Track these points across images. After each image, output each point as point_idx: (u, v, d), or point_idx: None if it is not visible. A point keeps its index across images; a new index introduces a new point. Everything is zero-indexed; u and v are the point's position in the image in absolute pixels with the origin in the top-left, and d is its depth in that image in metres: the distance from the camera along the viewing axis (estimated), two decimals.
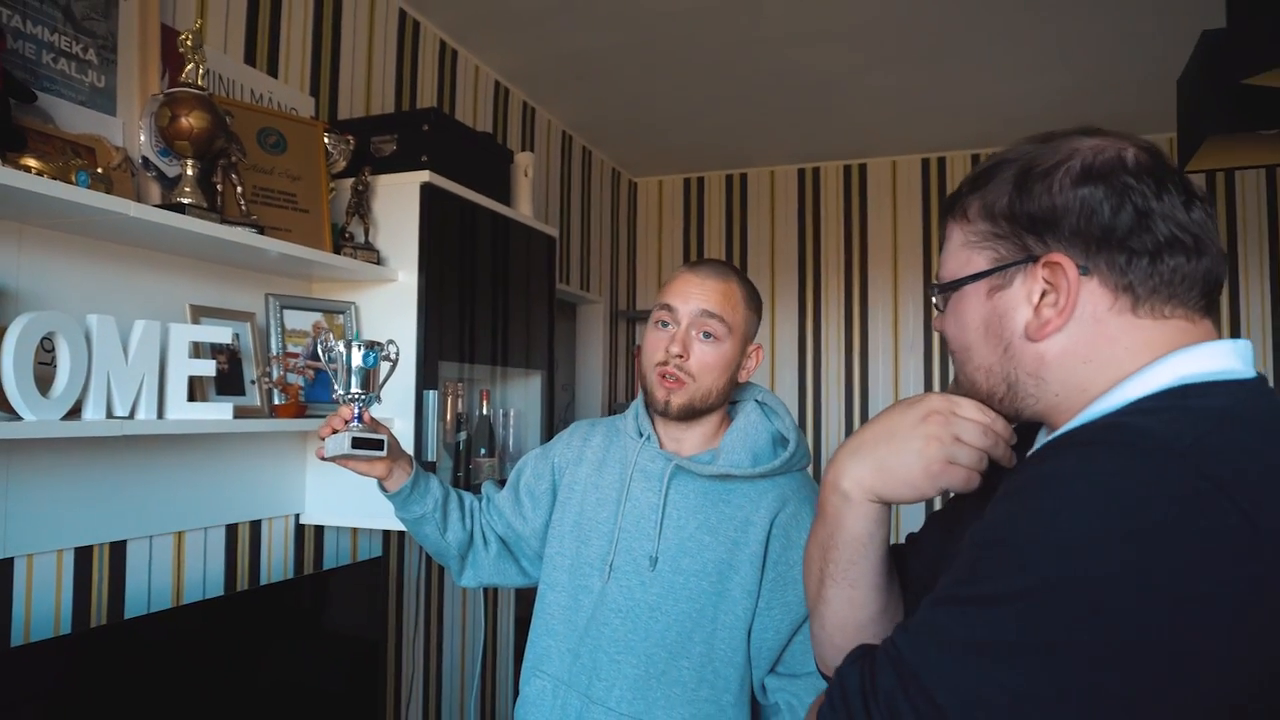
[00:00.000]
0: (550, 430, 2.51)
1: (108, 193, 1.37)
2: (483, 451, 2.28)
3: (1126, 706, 0.54)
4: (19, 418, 1.26)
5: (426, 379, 1.97)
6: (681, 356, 1.30)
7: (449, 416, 2.19)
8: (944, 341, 0.82)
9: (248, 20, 1.98)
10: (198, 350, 1.58)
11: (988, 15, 2.60)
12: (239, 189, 1.66)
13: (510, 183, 2.45)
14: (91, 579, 1.56)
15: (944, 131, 3.72)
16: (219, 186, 1.64)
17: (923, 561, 0.85)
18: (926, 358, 4.01)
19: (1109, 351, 0.68)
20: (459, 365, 2.20)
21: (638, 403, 1.42)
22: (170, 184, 1.63)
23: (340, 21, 2.29)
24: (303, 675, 1.88)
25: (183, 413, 1.51)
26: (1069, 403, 0.70)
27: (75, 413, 1.35)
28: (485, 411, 2.31)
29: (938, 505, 0.88)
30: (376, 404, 1.33)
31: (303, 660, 1.88)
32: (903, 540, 0.92)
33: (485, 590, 2.92)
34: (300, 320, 1.93)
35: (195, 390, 1.58)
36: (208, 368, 1.57)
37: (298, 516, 2.05)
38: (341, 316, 2.01)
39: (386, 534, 2.36)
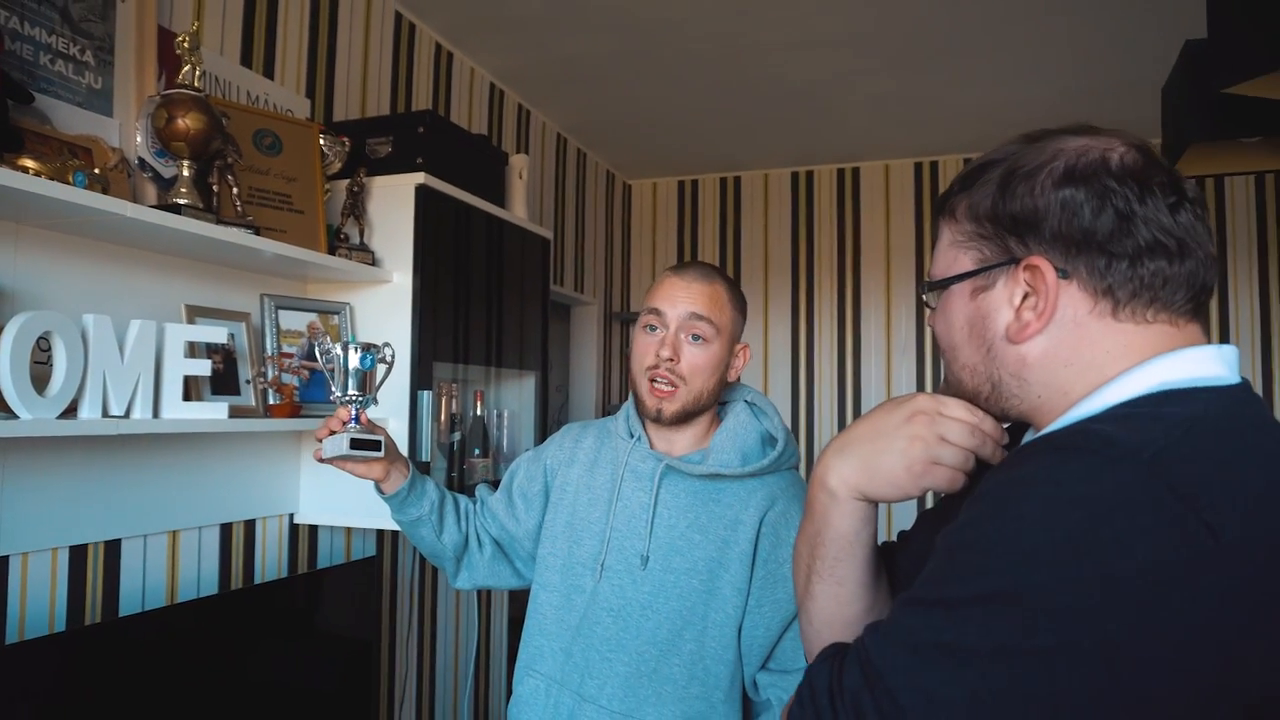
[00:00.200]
0: (544, 431, 2.52)
1: (104, 193, 1.38)
2: (476, 452, 2.29)
3: (1085, 713, 0.55)
4: (15, 416, 1.27)
5: (421, 379, 1.98)
6: (672, 360, 1.31)
7: (443, 417, 2.20)
8: (935, 340, 0.82)
9: (244, 22, 1.99)
10: (193, 350, 1.60)
11: (979, 23, 2.63)
12: (235, 190, 1.67)
13: (505, 185, 2.47)
14: (86, 577, 1.57)
15: (936, 136, 3.75)
16: (215, 187, 1.65)
17: (911, 559, 0.85)
18: (919, 360, 4.03)
19: (1090, 355, 0.68)
20: (453, 366, 2.21)
21: (628, 404, 1.44)
22: (166, 185, 1.64)
23: (336, 24, 2.31)
24: (296, 674, 1.89)
25: (178, 412, 1.51)
26: (1051, 405, 0.70)
27: (71, 412, 1.36)
28: (479, 412, 2.32)
29: (930, 502, 0.89)
30: (373, 406, 1.35)
31: (296, 659, 1.89)
32: (894, 537, 0.93)
33: (479, 590, 2.93)
34: (295, 321, 1.94)
35: (190, 390, 1.59)
36: (203, 367, 1.58)
37: (292, 516, 2.05)
38: (336, 317, 2.02)
39: (380, 534, 2.36)
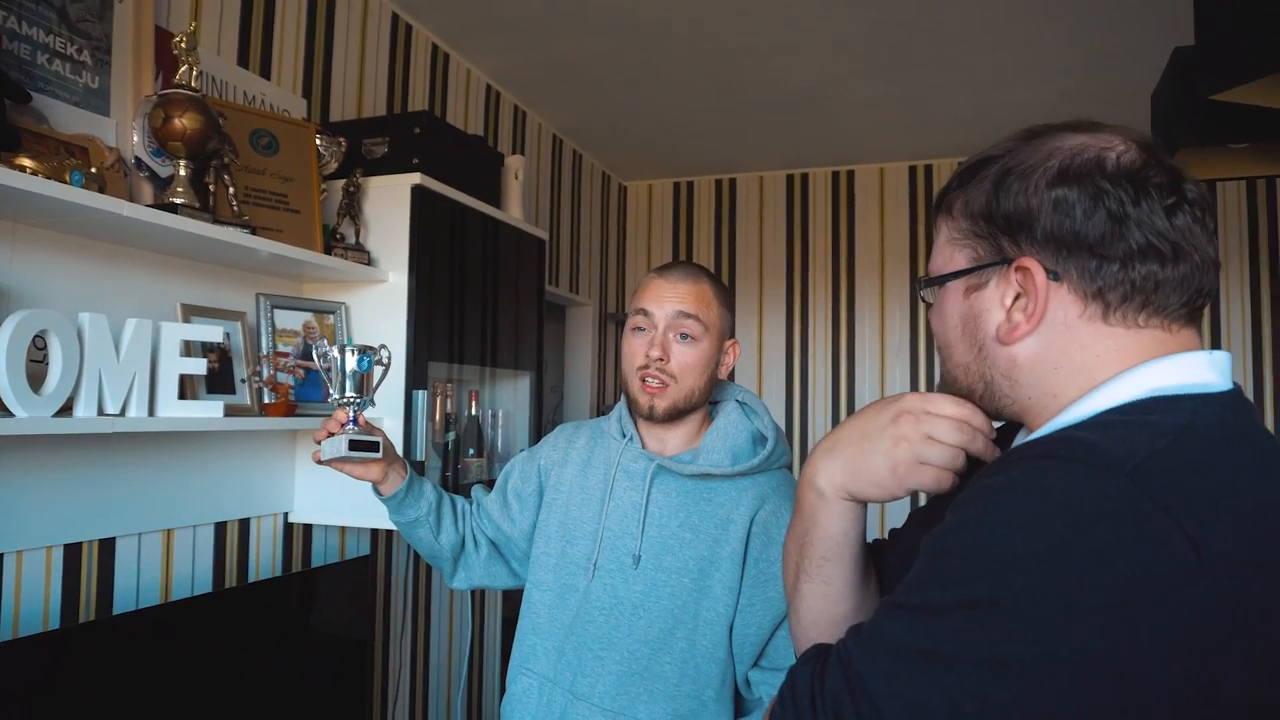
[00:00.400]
0: (538, 431, 2.53)
1: (101, 192, 1.39)
2: (471, 452, 2.30)
3: None
4: (10, 414, 1.27)
5: (416, 379, 1.99)
6: (662, 359, 1.32)
7: (438, 416, 2.20)
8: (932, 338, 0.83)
9: (241, 23, 1.99)
10: (189, 349, 1.60)
11: (973, 28, 2.64)
12: (231, 189, 1.67)
13: (501, 185, 2.47)
14: (81, 575, 1.57)
15: (931, 140, 3.77)
16: (211, 187, 1.66)
17: (900, 558, 0.85)
18: (912, 362, 4.05)
19: (1080, 359, 0.67)
20: (448, 366, 2.22)
21: (621, 404, 1.45)
22: (163, 184, 1.65)
23: (333, 25, 2.31)
24: (290, 673, 1.89)
25: (173, 411, 1.52)
26: (1040, 407, 0.70)
27: (67, 410, 1.36)
28: (474, 412, 2.33)
29: (923, 499, 0.90)
30: (370, 407, 1.36)
31: (290, 658, 1.89)
32: (885, 536, 0.93)
33: (473, 590, 2.94)
34: (291, 320, 1.94)
35: (186, 389, 1.59)
36: (198, 366, 1.58)
37: (286, 515, 2.06)
38: (332, 317, 2.03)
39: (374, 533, 2.37)
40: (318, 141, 1.96)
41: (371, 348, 1.34)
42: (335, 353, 1.33)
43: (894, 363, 4.07)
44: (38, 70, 1.47)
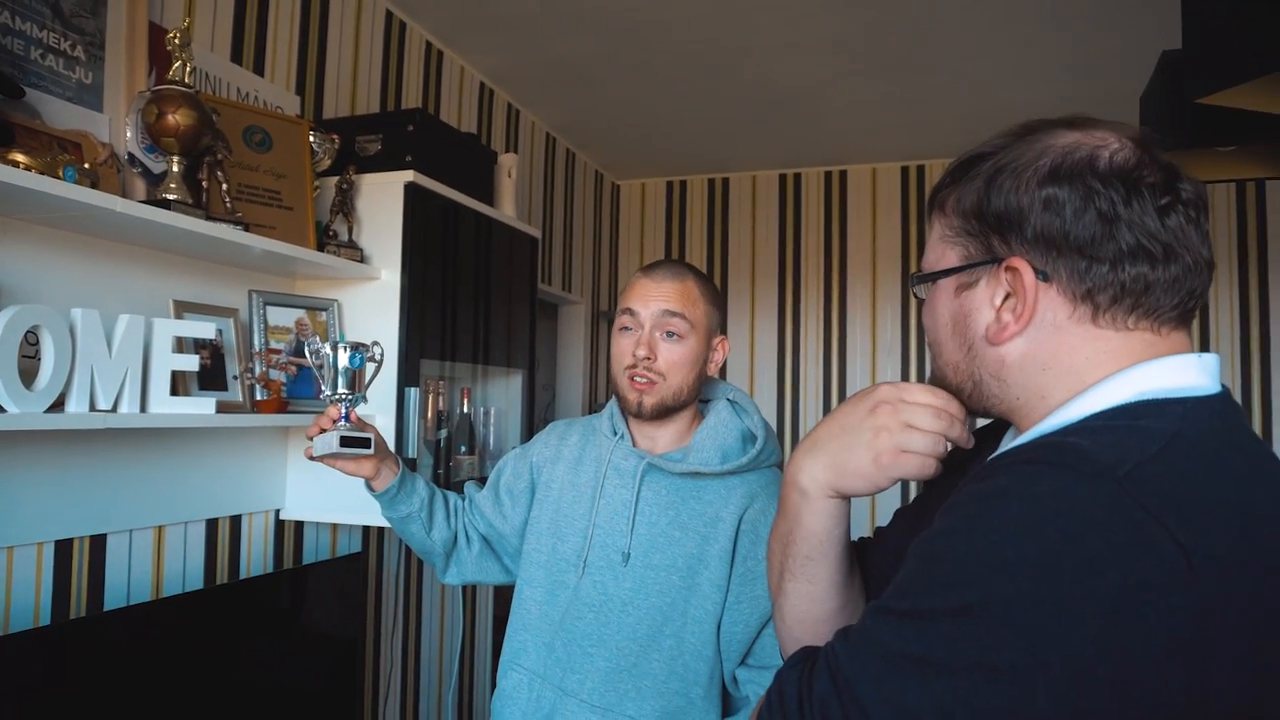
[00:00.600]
0: (530, 430, 2.53)
1: (94, 188, 1.39)
2: (463, 449, 2.31)
3: None
4: (2, 410, 1.27)
5: (408, 376, 1.99)
6: (649, 358, 1.33)
7: (430, 414, 2.21)
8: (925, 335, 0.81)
9: (235, 19, 1.99)
10: (181, 345, 1.60)
11: (966, 29, 2.66)
12: (224, 186, 1.67)
13: (494, 183, 2.48)
14: (71, 571, 1.57)
15: (923, 140, 3.78)
16: (204, 183, 1.66)
17: (886, 556, 0.86)
18: (904, 361, 4.06)
19: (1069, 361, 0.67)
20: (440, 363, 2.23)
21: (613, 403, 1.45)
22: (156, 180, 1.64)
23: (327, 21, 2.31)
24: (281, 669, 1.89)
25: (165, 407, 1.52)
26: (1029, 408, 0.70)
27: (58, 406, 1.36)
28: (466, 410, 2.33)
29: (913, 494, 0.90)
30: (363, 404, 1.36)
31: (281, 654, 1.90)
32: (869, 535, 0.93)
33: (464, 587, 2.94)
34: (283, 317, 1.95)
35: (178, 385, 1.59)
36: (191, 363, 1.58)
37: (278, 512, 2.06)
38: (324, 314, 2.03)
39: (366, 530, 2.37)
40: (311, 138, 1.96)
41: (364, 344, 1.35)
42: (327, 349, 1.33)
43: (885, 362, 4.09)
44: (31, 65, 1.47)
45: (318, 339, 1.95)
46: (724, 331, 1.44)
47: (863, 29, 2.68)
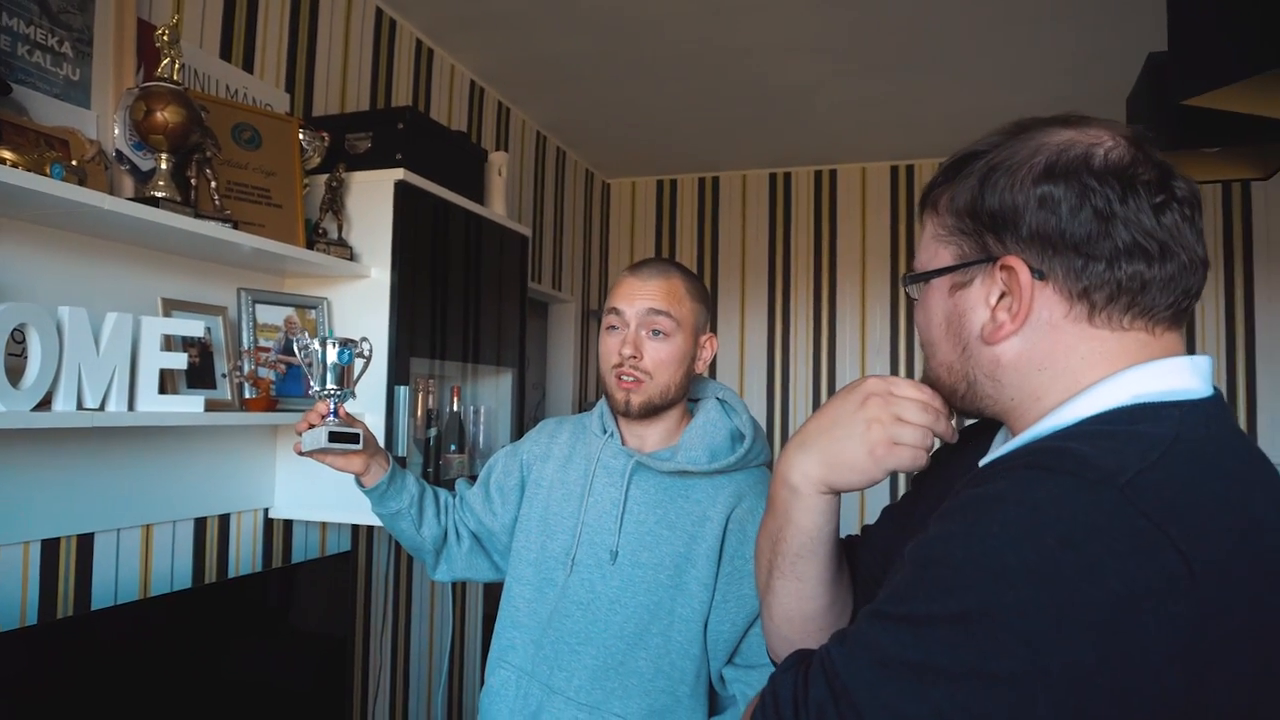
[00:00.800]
0: (520, 428, 2.53)
1: (81, 185, 1.38)
2: (453, 448, 2.30)
3: None
4: None
5: (398, 375, 1.99)
6: (635, 356, 1.33)
7: (420, 412, 2.20)
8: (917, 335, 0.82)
9: (224, 16, 1.98)
10: (169, 343, 1.59)
11: (956, 31, 2.67)
12: (213, 183, 1.67)
13: (484, 182, 2.48)
14: (58, 571, 1.56)
15: (912, 140, 3.80)
16: (193, 181, 1.65)
17: (874, 555, 0.87)
18: (893, 360, 4.08)
19: (1064, 361, 0.67)
20: (430, 362, 2.22)
21: (603, 401, 1.46)
22: (144, 178, 1.64)
23: (316, 19, 2.30)
24: (270, 669, 1.89)
25: (153, 405, 1.51)
26: (1024, 408, 0.69)
27: (45, 404, 1.36)
28: (456, 408, 2.33)
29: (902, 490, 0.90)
30: (351, 399, 1.36)
31: (270, 654, 1.89)
32: (857, 532, 0.93)
33: (453, 586, 2.94)
34: (272, 315, 1.94)
35: (166, 383, 1.59)
36: (179, 361, 1.57)
37: (267, 511, 2.05)
38: (314, 312, 2.02)
39: (355, 529, 2.37)
40: (300, 136, 1.96)
41: (352, 340, 1.35)
42: (316, 345, 1.33)
43: (874, 360, 4.10)
44: (18, 62, 1.46)
45: (306, 335, 1.94)
46: (713, 330, 1.44)
47: (852, 29, 2.69)
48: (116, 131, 1.61)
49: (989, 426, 0.80)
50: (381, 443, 1.94)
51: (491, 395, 2.56)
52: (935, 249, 0.73)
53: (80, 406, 1.40)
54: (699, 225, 4.42)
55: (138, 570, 1.73)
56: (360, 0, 2.48)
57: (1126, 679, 0.53)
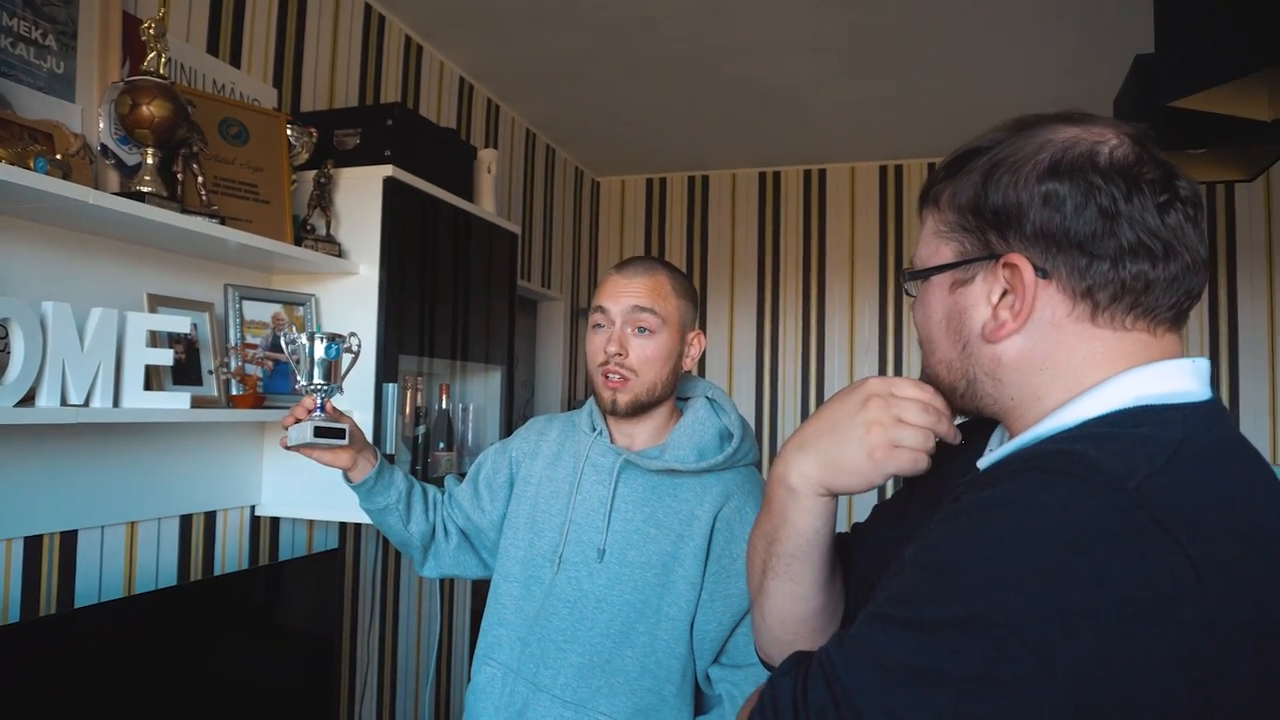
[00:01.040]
0: (509, 426, 2.53)
1: (66, 179, 1.37)
2: (441, 445, 2.30)
3: None
4: None
5: (386, 372, 1.98)
6: (620, 354, 1.33)
7: (408, 410, 2.20)
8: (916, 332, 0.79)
9: (211, 10, 1.97)
10: (155, 339, 1.58)
11: (946, 32, 2.68)
12: (200, 179, 1.66)
13: (473, 179, 2.47)
14: (41, 568, 1.55)
15: (902, 140, 3.81)
16: (179, 176, 1.64)
17: (868, 555, 0.86)
18: (881, 359, 4.09)
19: (1066, 361, 0.66)
20: (419, 359, 2.22)
21: (593, 399, 1.46)
22: (129, 172, 1.62)
23: (305, 14, 2.29)
24: (256, 667, 1.88)
25: (139, 401, 1.50)
26: (1024, 408, 0.69)
27: (29, 400, 1.34)
28: (444, 406, 2.32)
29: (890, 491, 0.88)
30: (339, 395, 1.36)
31: (257, 652, 1.88)
32: (849, 530, 0.93)
33: (441, 583, 2.93)
34: (259, 311, 1.93)
35: (152, 379, 1.58)
36: (165, 357, 1.56)
37: (253, 508, 2.04)
38: (301, 308, 2.01)
39: (343, 526, 2.36)
40: (288, 132, 1.94)
41: (340, 335, 1.35)
42: (303, 339, 1.33)
43: (863, 360, 4.11)
44: (0, 55, 1.44)
45: (293, 329, 1.93)
46: (701, 328, 1.44)
47: (844, 29, 2.69)
48: (102, 125, 1.60)
49: (983, 425, 0.79)
50: (370, 440, 1.94)
51: (480, 393, 2.56)
52: (936, 245, 0.72)
53: (64, 402, 1.39)
54: (688, 224, 4.42)
55: (122, 567, 1.71)
56: None
57: (1131, 683, 0.53)
